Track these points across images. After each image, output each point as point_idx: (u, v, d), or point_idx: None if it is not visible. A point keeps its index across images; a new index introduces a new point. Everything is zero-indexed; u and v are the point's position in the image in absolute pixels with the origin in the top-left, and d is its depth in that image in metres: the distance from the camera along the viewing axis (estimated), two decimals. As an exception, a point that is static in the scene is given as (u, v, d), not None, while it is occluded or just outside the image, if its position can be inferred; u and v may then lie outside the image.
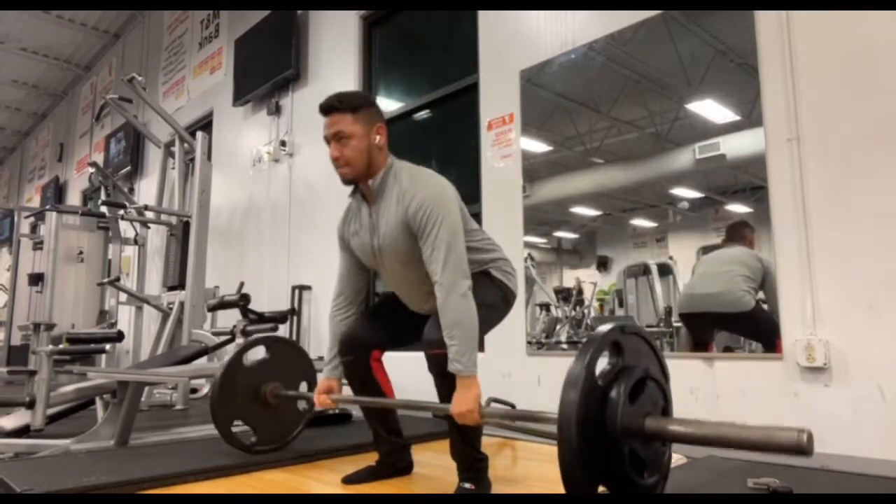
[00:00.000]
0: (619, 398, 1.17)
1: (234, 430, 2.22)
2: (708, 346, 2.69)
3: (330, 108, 1.80)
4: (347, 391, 2.00)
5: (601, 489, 1.19)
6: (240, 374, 2.23)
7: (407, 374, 2.16)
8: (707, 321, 2.72)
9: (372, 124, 1.80)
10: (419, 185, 1.75)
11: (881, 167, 2.17)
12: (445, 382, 1.64)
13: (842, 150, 2.26)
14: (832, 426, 2.19)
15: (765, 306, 2.48)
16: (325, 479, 1.94)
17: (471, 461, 1.74)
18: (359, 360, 1.92)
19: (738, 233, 2.64)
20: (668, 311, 2.88)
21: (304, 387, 2.37)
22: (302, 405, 2.38)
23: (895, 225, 2.13)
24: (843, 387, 2.18)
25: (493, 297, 1.84)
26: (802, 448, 0.97)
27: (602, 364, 1.21)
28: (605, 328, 1.24)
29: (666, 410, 1.34)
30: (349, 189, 1.94)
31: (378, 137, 1.80)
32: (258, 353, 2.33)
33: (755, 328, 2.55)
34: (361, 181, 1.82)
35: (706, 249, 2.77)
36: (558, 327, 3.35)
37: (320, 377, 2.01)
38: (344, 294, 2.00)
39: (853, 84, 2.26)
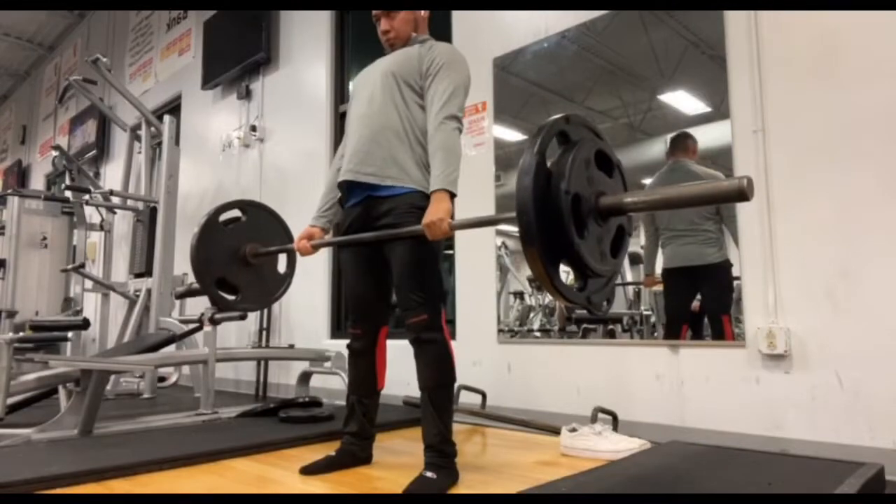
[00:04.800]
0: (566, 169, 1.25)
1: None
2: (682, 329, 2.73)
3: None
4: (327, 237, 2.09)
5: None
6: (218, 233, 2.28)
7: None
8: (683, 275, 2.78)
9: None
10: (446, 46, 1.93)
11: (842, 158, 2.22)
12: (421, 348, 1.78)
13: (805, 141, 2.31)
14: (792, 412, 2.25)
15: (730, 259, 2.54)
16: (294, 467, 1.92)
17: (439, 442, 1.74)
18: (368, 335, 1.97)
19: (681, 144, 2.69)
20: (638, 295, 2.94)
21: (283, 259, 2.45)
22: (283, 269, 2.43)
23: (853, 215, 2.18)
24: (802, 373, 2.24)
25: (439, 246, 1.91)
26: (744, 192, 1.03)
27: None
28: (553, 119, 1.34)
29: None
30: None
31: (422, 12, 2.01)
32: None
33: (723, 281, 2.58)
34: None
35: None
36: (531, 315, 3.37)
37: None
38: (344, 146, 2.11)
39: (817, 77, 2.30)
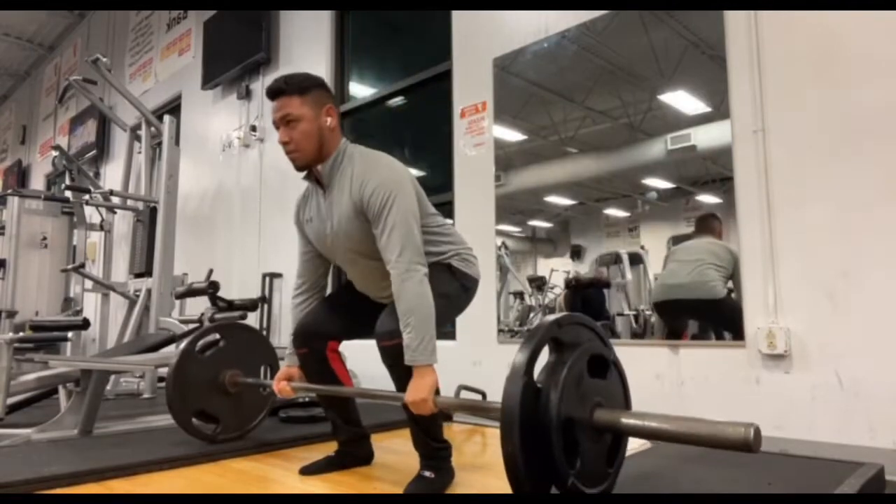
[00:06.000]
0: (557, 391, 1.15)
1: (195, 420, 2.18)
2: (682, 335, 2.73)
3: (277, 91, 1.74)
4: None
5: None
6: (195, 364, 2.16)
7: (366, 362, 2.14)
8: (679, 309, 2.76)
9: (321, 106, 1.75)
10: (372, 169, 1.70)
11: (842, 158, 2.22)
12: (398, 373, 1.63)
13: (805, 141, 2.31)
14: (792, 412, 2.25)
15: (734, 296, 2.52)
16: (294, 467, 1.92)
17: (430, 450, 1.72)
18: (314, 351, 1.89)
19: (707, 225, 2.68)
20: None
21: (267, 372, 2.35)
22: (265, 390, 2.33)
23: (854, 215, 2.18)
24: (802, 373, 2.24)
25: (451, 288, 1.79)
26: (749, 444, 0.99)
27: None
28: (547, 319, 1.23)
29: (626, 401, 1.33)
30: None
31: (329, 119, 1.76)
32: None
33: (725, 317, 2.57)
34: (314, 166, 1.78)
35: (677, 240, 2.81)
36: (531, 315, 3.37)
37: (283, 364, 1.98)
38: (304, 278, 1.97)
39: (817, 77, 2.30)
